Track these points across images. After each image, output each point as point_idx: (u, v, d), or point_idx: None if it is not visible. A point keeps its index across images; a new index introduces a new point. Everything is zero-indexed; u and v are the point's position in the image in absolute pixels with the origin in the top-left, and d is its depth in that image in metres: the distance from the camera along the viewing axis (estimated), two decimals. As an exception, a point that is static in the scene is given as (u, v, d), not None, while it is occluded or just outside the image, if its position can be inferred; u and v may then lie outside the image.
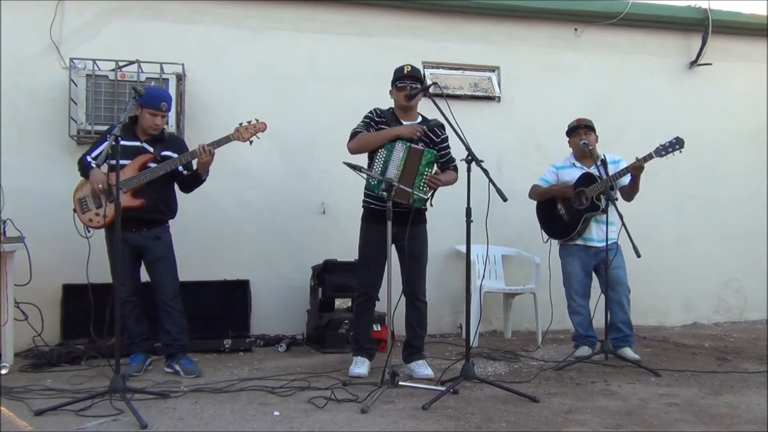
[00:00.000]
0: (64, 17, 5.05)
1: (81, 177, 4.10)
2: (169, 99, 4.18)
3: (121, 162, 3.90)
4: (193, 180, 4.19)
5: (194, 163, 4.13)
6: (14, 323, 4.35)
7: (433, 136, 4.14)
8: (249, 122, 4.09)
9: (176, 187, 4.28)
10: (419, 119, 4.18)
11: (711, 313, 6.37)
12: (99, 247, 4.09)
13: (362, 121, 4.13)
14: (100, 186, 3.90)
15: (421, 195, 3.92)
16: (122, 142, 3.88)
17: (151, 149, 4.09)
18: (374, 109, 4.18)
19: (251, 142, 4.11)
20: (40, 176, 4.96)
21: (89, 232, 4.04)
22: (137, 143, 4.08)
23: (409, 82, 4.08)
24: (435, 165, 3.99)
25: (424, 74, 5.71)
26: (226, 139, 4.07)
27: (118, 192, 3.49)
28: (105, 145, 3.41)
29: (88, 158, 4.05)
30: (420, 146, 4.00)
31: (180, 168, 4.12)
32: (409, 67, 4.11)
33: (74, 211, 4.05)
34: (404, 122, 4.12)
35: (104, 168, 3.88)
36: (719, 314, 6.38)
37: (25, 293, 4.41)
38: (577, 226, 4.63)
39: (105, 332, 4.21)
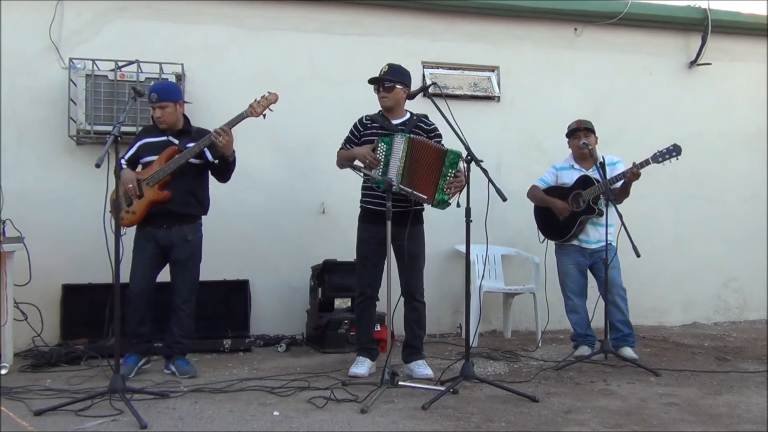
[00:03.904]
0: (63, 17, 5.04)
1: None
2: (158, 89, 4.11)
3: (150, 158, 4.05)
4: (223, 165, 4.16)
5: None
6: (14, 323, 4.34)
7: (423, 126, 4.17)
8: (262, 96, 4.11)
9: (209, 182, 4.28)
10: (407, 116, 4.20)
11: (711, 313, 6.36)
12: (102, 247, 4.06)
13: (346, 137, 4.24)
14: (130, 185, 3.91)
15: (444, 198, 3.93)
16: (148, 140, 4.12)
17: (177, 141, 4.10)
18: (360, 119, 4.22)
19: (265, 116, 4.11)
20: (40, 176, 4.96)
21: (122, 231, 3.98)
22: (163, 138, 4.10)
23: (378, 85, 4.13)
24: (460, 163, 3.89)
25: (424, 75, 5.74)
26: (240, 117, 4.07)
27: (117, 190, 3.50)
28: (107, 145, 3.41)
29: (122, 161, 4.07)
30: (421, 136, 4.03)
31: (210, 158, 4.13)
32: (386, 68, 4.15)
33: (111, 213, 3.91)
34: (393, 121, 4.15)
35: (138, 167, 4.06)
36: (719, 314, 6.38)
37: (24, 293, 4.41)
38: (573, 227, 4.64)
39: (107, 331, 4.21)
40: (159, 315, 4.23)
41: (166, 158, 4.03)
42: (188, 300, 4.16)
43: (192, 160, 4.07)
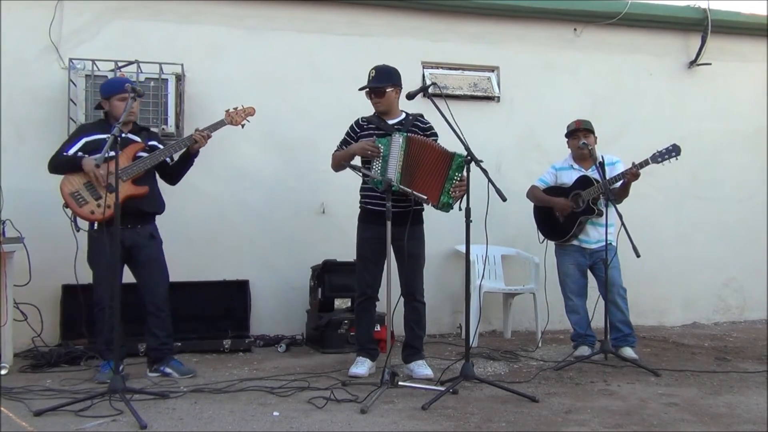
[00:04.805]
0: (63, 17, 5.04)
1: (61, 174, 3.96)
2: (131, 81, 4.08)
3: (111, 154, 3.80)
4: (182, 166, 4.14)
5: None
6: (13, 324, 4.34)
7: (419, 125, 4.17)
8: (235, 108, 4.19)
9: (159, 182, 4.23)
10: (403, 116, 4.21)
11: (711, 313, 6.37)
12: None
13: (342, 139, 4.24)
14: (102, 173, 3.74)
15: (449, 201, 3.94)
16: (98, 136, 3.93)
17: (138, 139, 4.06)
18: (356, 121, 4.22)
19: (243, 126, 4.20)
20: (40, 176, 4.88)
21: (89, 226, 3.93)
22: (121, 135, 4.01)
23: (371, 91, 4.13)
24: (464, 169, 3.85)
25: (424, 75, 5.74)
26: (221, 123, 4.13)
27: (117, 189, 3.46)
28: (107, 145, 3.39)
29: (68, 153, 3.95)
30: (419, 135, 4.03)
31: (167, 159, 4.10)
32: (373, 72, 4.15)
33: (65, 206, 3.91)
34: (389, 122, 4.15)
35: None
36: (719, 314, 6.38)
37: (24, 294, 4.41)
38: (572, 228, 4.64)
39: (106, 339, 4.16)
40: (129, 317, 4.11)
41: (132, 154, 3.96)
42: (167, 299, 4.07)
43: None
